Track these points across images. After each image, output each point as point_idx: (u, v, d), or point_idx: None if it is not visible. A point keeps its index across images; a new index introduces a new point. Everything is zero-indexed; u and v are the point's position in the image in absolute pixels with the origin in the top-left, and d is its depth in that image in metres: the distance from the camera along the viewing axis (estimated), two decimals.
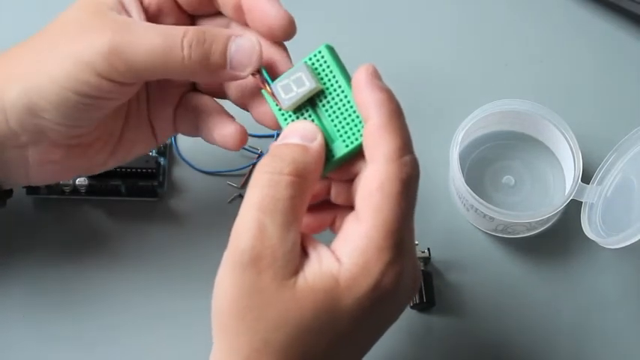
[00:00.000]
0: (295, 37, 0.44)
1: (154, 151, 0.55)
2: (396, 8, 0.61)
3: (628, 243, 0.49)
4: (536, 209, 0.54)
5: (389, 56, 0.59)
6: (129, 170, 0.54)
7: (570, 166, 0.54)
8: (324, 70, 0.41)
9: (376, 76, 0.40)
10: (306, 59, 0.41)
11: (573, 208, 0.54)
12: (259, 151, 0.56)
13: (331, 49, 0.41)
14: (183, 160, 0.56)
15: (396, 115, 0.39)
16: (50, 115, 0.43)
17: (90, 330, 0.53)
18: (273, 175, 0.39)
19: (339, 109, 0.41)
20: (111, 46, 0.41)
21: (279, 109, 0.42)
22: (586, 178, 0.54)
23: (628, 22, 0.61)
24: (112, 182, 0.54)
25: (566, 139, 0.54)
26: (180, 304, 0.53)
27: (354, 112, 0.40)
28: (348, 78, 0.41)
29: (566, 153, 0.55)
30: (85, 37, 0.42)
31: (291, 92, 0.41)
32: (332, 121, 0.41)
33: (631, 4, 0.59)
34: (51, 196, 0.55)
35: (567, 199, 0.53)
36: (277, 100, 0.41)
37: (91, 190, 0.54)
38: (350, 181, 0.42)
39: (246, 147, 0.55)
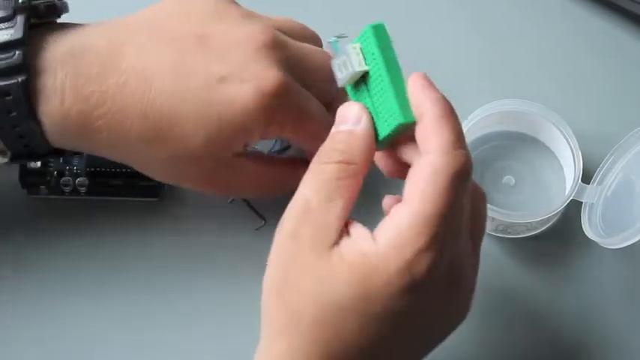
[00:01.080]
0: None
1: None
2: (394, 9, 0.61)
3: (628, 243, 0.49)
4: (536, 209, 0.54)
5: None
6: (129, 170, 0.54)
7: (570, 166, 0.54)
8: (368, 52, 0.42)
9: (429, 80, 0.42)
10: (354, 41, 0.43)
11: (573, 208, 0.54)
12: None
13: (377, 30, 0.42)
14: None
15: (449, 111, 0.40)
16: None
17: (89, 329, 0.53)
18: (321, 164, 0.41)
19: (380, 90, 0.42)
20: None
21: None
22: (586, 178, 0.54)
23: (627, 21, 0.61)
24: (113, 182, 0.54)
25: (566, 139, 0.54)
26: (182, 303, 0.53)
27: (391, 94, 0.41)
28: (389, 59, 0.42)
29: (566, 153, 0.55)
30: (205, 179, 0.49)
31: (342, 72, 0.43)
32: (377, 100, 0.42)
33: (630, 3, 0.59)
34: (51, 197, 0.55)
35: (567, 199, 0.53)
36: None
37: (91, 190, 0.54)
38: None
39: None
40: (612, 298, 0.54)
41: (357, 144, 0.41)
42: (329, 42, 0.43)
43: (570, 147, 0.54)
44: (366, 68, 0.42)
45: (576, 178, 0.53)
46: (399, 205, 0.40)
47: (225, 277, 0.54)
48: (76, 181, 0.54)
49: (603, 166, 0.55)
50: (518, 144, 0.57)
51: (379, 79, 0.42)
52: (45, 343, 0.52)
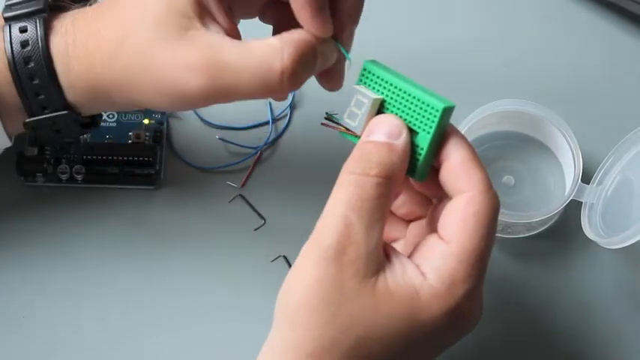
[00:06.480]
0: None
1: (150, 139, 0.56)
2: (394, 9, 0.61)
3: (628, 243, 0.49)
4: (536, 209, 0.54)
5: (387, 57, 0.59)
6: (126, 159, 0.54)
7: (570, 167, 0.54)
8: (376, 83, 0.42)
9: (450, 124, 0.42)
10: (356, 82, 0.43)
11: (573, 208, 0.54)
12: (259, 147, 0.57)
13: (373, 62, 0.43)
14: (180, 157, 0.56)
15: (475, 151, 0.41)
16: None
17: (86, 318, 0.52)
18: (360, 176, 0.40)
19: (404, 105, 0.41)
20: (209, 91, 0.42)
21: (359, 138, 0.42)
22: (586, 178, 0.54)
23: (628, 22, 0.61)
24: (109, 170, 0.55)
25: (566, 139, 0.54)
26: (179, 300, 0.53)
27: (419, 101, 0.41)
28: (401, 77, 0.42)
29: (566, 153, 0.55)
30: (180, 71, 0.42)
31: (356, 117, 0.42)
32: (406, 114, 0.42)
33: (631, 4, 0.59)
34: (47, 184, 0.55)
35: (567, 200, 0.53)
36: (352, 131, 0.42)
37: (87, 178, 0.55)
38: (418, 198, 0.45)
39: (242, 144, 0.56)
40: (612, 298, 0.54)
41: (397, 159, 0.40)
42: (326, 114, 0.43)
43: (570, 147, 0.54)
44: (381, 96, 0.42)
45: (576, 178, 0.53)
46: (437, 240, 0.40)
47: (224, 277, 0.54)
48: (73, 169, 0.54)
49: (603, 166, 0.55)
50: (518, 144, 0.57)
51: (399, 95, 0.42)
52: (41, 332, 0.52)
